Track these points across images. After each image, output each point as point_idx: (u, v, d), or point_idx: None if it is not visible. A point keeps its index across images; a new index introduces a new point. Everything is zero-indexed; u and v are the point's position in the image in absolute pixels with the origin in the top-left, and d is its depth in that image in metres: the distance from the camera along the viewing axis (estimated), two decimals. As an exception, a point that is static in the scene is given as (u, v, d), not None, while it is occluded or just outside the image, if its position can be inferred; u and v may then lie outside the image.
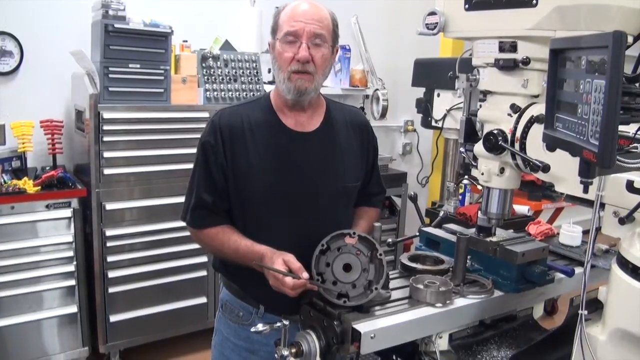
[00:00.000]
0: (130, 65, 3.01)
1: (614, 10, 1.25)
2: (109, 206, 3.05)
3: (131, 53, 3.01)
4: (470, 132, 1.60)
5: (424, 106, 3.37)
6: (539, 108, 1.36)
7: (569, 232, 1.93)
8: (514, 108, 1.42)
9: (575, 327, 1.23)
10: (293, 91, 1.60)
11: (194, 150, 1.69)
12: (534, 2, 1.29)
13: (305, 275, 1.42)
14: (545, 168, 1.29)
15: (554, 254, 1.83)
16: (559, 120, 1.11)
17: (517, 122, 1.40)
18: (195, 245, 1.80)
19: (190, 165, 1.70)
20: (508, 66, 1.40)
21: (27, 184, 2.86)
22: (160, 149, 3.16)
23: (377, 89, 4.13)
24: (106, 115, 2.96)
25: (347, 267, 1.43)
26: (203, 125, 1.69)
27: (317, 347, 1.34)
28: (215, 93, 3.36)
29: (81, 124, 3.18)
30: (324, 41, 1.59)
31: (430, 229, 1.86)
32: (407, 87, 3.63)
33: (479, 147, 1.50)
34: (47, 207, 2.92)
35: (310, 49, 1.56)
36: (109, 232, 3.06)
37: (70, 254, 3.00)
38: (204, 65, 3.37)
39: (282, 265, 1.46)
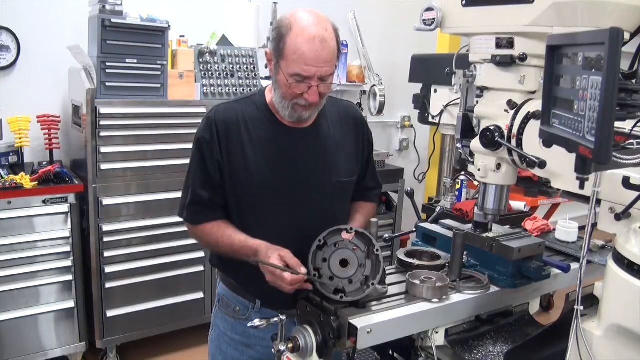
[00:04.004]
0: (127, 60, 3.01)
1: (611, 7, 1.25)
2: (106, 201, 3.05)
3: (128, 48, 3.00)
4: (467, 128, 1.61)
5: (421, 102, 3.38)
6: (536, 104, 1.36)
7: (565, 228, 1.94)
8: (511, 104, 1.42)
9: (571, 322, 1.23)
10: (295, 118, 1.60)
11: (190, 146, 1.69)
12: (531, -2, 1.29)
13: (303, 270, 1.42)
14: (542, 164, 1.30)
15: (550, 249, 1.83)
16: (555, 116, 1.11)
17: (513, 118, 1.40)
18: (193, 241, 1.80)
19: (187, 161, 1.70)
20: (505, 62, 1.40)
21: (24, 179, 2.86)
22: (157, 144, 3.16)
23: (374, 85, 4.12)
24: (103, 110, 2.96)
25: (344, 263, 1.43)
26: (200, 121, 1.68)
27: (314, 342, 1.35)
28: (212, 88, 3.36)
29: (78, 119, 3.17)
30: (332, 73, 1.54)
31: (426, 225, 1.86)
32: (405, 83, 3.63)
33: (475, 143, 1.50)
34: (44, 202, 2.91)
35: (319, 86, 1.52)
36: (106, 227, 3.06)
37: (67, 249, 3.00)
38: (201, 60, 3.36)
39: (278, 260, 1.46)
